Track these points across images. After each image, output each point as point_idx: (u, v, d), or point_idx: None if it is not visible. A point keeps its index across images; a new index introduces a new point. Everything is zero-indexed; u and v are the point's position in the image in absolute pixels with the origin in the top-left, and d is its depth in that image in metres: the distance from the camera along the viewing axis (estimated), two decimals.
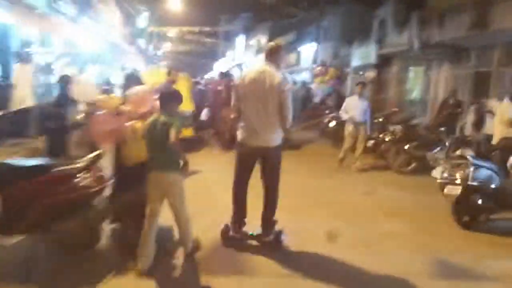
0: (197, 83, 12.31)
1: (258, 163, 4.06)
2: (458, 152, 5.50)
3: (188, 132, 8.29)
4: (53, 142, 5.71)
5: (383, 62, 15.78)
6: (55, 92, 6.74)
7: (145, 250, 3.45)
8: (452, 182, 4.96)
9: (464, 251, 4.30)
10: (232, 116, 4.14)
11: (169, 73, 6.54)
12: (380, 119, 9.72)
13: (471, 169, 4.85)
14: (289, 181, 4.84)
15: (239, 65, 33.95)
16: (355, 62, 17.96)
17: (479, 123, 8.36)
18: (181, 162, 3.54)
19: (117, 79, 11.50)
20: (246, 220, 4.14)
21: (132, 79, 3.83)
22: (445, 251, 4.28)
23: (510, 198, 4.89)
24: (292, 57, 24.99)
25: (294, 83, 20.34)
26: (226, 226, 4.14)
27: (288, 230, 4.24)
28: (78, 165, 3.67)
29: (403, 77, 15.83)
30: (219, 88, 10.34)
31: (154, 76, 8.25)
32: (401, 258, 4.07)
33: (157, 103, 3.64)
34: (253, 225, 4.19)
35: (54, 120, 5.66)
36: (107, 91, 4.32)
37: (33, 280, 3.35)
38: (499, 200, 4.86)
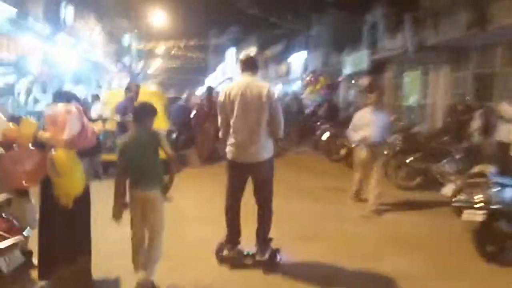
0: (176, 99, 11.44)
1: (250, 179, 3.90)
2: (476, 169, 4.57)
3: (162, 154, 7.35)
4: None
5: (377, 68, 15.02)
6: None
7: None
8: (471, 205, 4.05)
9: None
10: (220, 134, 3.97)
11: (128, 89, 5.69)
12: None
13: (494, 189, 3.97)
14: (277, 205, 4.08)
15: (230, 79, 33.29)
16: (347, 69, 17.20)
17: (487, 130, 7.52)
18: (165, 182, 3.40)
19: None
20: (240, 239, 3.99)
21: (61, 97, 3.00)
22: None
23: None
24: (282, 68, 24.30)
25: (286, 94, 19.63)
26: (221, 244, 3.99)
27: None
28: None
29: (399, 82, 15.05)
30: (200, 102, 9.81)
31: (116, 95, 7.39)
32: None
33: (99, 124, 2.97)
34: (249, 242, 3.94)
35: None
36: (16, 118, 3.35)
37: None
38: None
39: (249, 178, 3.91)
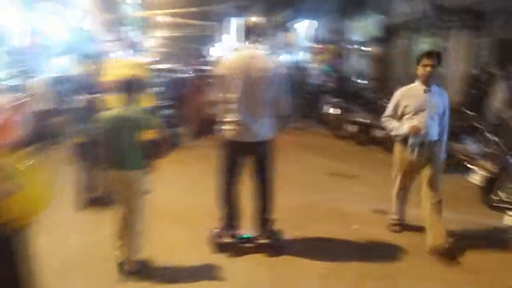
0: (170, 70, 10.52)
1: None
2: None
3: (150, 134, 6.50)
4: None
5: (390, 35, 13.87)
6: None
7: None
8: None
9: None
10: (214, 111, 3.64)
11: (86, 60, 4.84)
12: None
13: None
14: None
15: (236, 49, 32.05)
16: (356, 36, 16.03)
17: None
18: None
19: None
20: (240, 222, 3.80)
21: None
22: None
23: None
24: (288, 36, 23.08)
25: (291, 64, 18.53)
26: (217, 231, 3.76)
27: None
28: None
29: (414, 51, 13.89)
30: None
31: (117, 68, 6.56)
32: None
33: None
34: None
35: None
36: None
37: None
38: None
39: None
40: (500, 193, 3.44)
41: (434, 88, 3.78)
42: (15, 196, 2.13)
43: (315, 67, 14.70)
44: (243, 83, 3.38)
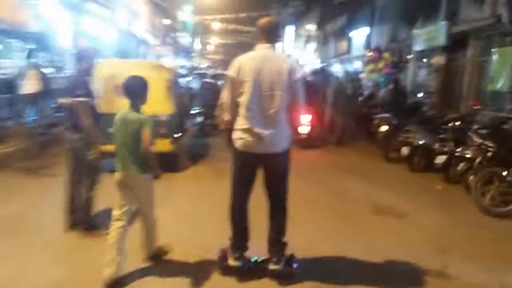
0: (201, 75, 9.79)
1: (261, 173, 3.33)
2: None
3: (163, 145, 5.73)
4: None
5: (456, 43, 12.34)
6: None
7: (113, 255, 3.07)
8: None
9: None
10: (224, 117, 3.29)
11: (80, 58, 4.10)
12: (456, 123, 6.61)
13: None
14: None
15: (289, 56, 31.37)
16: (418, 46, 14.53)
17: None
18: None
19: None
20: (248, 244, 3.46)
21: None
22: None
23: None
24: (342, 45, 21.84)
25: (346, 73, 17.30)
26: (223, 251, 3.47)
27: None
28: None
29: (484, 61, 12.23)
30: None
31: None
32: None
33: None
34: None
35: None
36: None
37: None
38: None
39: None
40: None
41: None
42: None
43: (368, 77, 13.42)
44: (255, 86, 3.08)
